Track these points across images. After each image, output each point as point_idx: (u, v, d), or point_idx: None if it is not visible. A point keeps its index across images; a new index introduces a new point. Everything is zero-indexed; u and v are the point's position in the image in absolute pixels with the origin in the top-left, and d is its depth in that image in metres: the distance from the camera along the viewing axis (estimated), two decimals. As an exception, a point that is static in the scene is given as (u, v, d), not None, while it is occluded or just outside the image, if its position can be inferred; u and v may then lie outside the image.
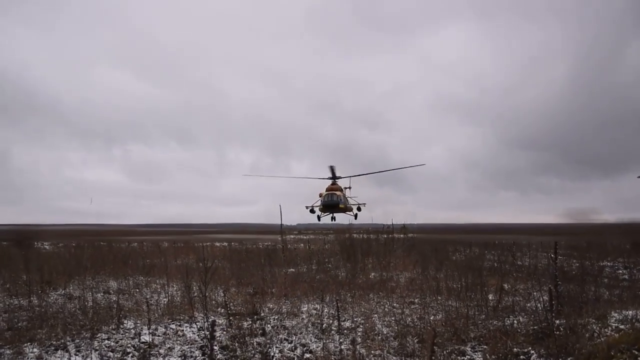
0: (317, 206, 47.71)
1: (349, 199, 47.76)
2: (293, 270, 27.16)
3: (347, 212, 47.85)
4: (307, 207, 47.71)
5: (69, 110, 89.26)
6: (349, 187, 48.61)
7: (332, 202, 45.60)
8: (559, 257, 17.26)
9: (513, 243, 39.69)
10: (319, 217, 47.15)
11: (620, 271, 23.67)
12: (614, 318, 11.65)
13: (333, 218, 48.19)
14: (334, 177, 46.93)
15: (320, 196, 47.13)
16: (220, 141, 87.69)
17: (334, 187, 46.86)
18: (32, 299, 15.34)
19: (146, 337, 11.07)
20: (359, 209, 48.70)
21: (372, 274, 25.49)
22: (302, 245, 52.08)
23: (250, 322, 12.13)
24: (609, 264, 26.89)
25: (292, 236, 64.57)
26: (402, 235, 51.49)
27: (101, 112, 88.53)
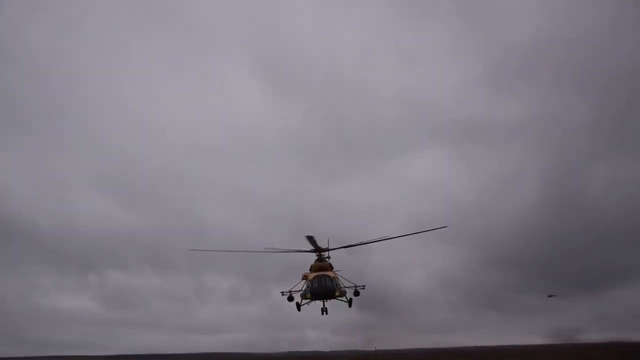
0: (297, 291, 39.24)
1: (340, 278, 39.69)
2: None
3: (339, 298, 39.37)
4: (282, 294, 39.38)
5: (45, 236, 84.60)
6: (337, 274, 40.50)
7: (325, 289, 37.17)
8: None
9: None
10: (298, 306, 38.80)
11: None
12: None
13: (324, 310, 39.53)
14: (318, 250, 38.75)
15: (304, 278, 38.76)
16: (198, 267, 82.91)
17: (323, 266, 38.48)
18: None
19: None
20: (356, 294, 39.91)
21: None
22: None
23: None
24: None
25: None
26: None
27: (78, 238, 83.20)
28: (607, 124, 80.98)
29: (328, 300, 37.76)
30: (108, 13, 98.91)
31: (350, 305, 39.07)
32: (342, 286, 38.71)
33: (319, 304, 38.13)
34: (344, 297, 38.72)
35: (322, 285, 35.96)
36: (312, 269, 37.83)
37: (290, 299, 38.61)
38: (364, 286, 38.87)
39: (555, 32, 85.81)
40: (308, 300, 38.15)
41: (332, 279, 36.20)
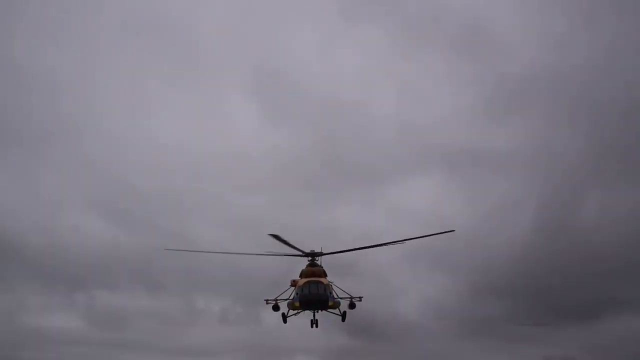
0: (284, 300, 34.05)
1: (333, 291, 34.65)
2: None
3: (331, 310, 34.23)
4: (267, 302, 34.26)
5: (34, 254, 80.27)
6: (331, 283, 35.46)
7: (317, 297, 32.11)
8: None
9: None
10: (284, 318, 33.63)
11: None
12: None
13: (314, 323, 34.31)
14: (311, 255, 33.89)
15: (293, 284, 33.67)
16: (189, 289, 79.59)
17: (315, 271, 33.53)
18: None
19: None
20: (351, 306, 34.77)
21: None
22: None
23: None
24: None
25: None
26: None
27: (67, 256, 78.80)
28: (601, 154, 79.18)
29: (319, 312, 32.74)
30: (107, 34, 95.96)
31: (343, 319, 33.86)
32: (336, 296, 33.72)
33: (308, 315, 33.06)
34: (338, 309, 33.69)
35: (313, 293, 30.57)
36: (303, 274, 32.88)
37: (276, 308, 33.42)
38: (360, 298, 33.81)
39: (550, 63, 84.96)
40: (296, 311, 32.99)
41: (325, 287, 31.23)
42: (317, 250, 33.53)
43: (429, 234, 32.17)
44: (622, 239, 69.81)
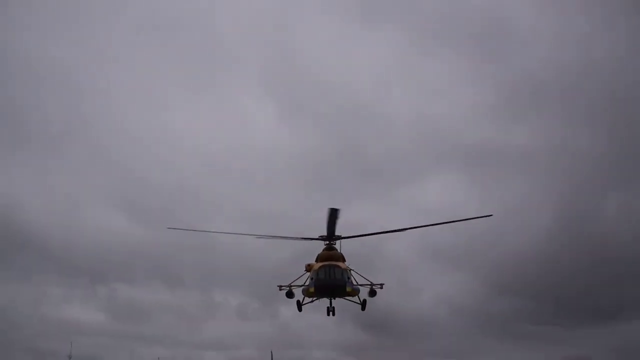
0: (298, 286, 31.67)
1: (352, 277, 31.99)
2: None
3: (349, 298, 31.63)
4: (280, 288, 31.86)
5: (56, 248, 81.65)
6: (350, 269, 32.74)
7: (333, 282, 29.52)
8: None
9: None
10: (299, 306, 31.09)
11: None
12: None
13: (331, 310, 31.74)
14: (330, 238, 31.46)
15: (308, 269, 31.29)
16: (207, 283, 79.85)
17: (333, 255, 31.05)
18: None
19: None
20: (371, 294, 32.13)
21: None
22: None
23: None
24: None
25: None
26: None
27: (88, 250, 79.89)
28: (622, 153, 76.40)
29: (336, 299, 30.26)
30: (124, 31, 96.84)
31: (363, 308, 31.18)
32: (356, 283, 31.15)
33: (324, 303, 30.63)
34: (357, 297, 31.11)
35: (330, 278, 28.16)
36: (319, 258, 30.38)
37: (290, 295, 31.16)
38: (382, 285, 31.22)
39: (569, 61, 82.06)
40: (312, 298, 30.52)
41: (343, 271, 28.60)
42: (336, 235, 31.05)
43: (468, 217, 29.53)
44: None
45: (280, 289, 31.53)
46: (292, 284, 31.27)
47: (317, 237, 31.04)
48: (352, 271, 31.25)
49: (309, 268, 30.44)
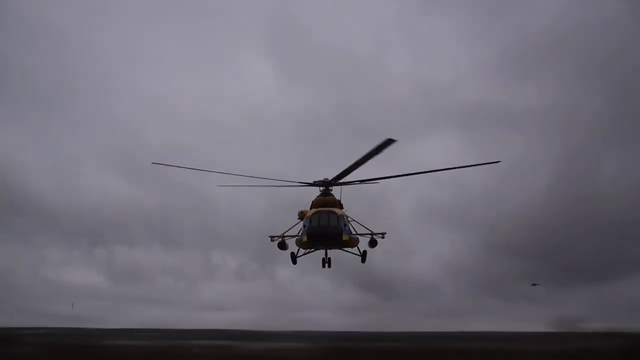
0: (292, 236, 28.68)
1: (350, 225, 28.83)
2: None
3: (347, 249, 28.62)
4: (272, 239, 28.74)
5: (53, 210, 78.79)
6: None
7: (328, 230, 26.45)
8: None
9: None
10: (294, 258, 28.16)
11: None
12: None
13: (327, 261, 28.88)
14: (326, 184, 28.33)
15: (300, 216, 28.20)
16: (206, 245, 77.52)
17: (328, 201, 27.89)
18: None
19: None
20: (372, 244, 29.01)
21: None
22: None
23: None
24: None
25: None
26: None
27: (86, 213, 77.04)
28: (625, 117, 74.53)
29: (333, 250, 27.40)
30: None
31: (363, 260, 28.47)
32: (354, 232, 28.18)
33: (319, 255, 27.77)
34: (357, 247, 28.26)
35: (324, 225, 25.16)
36: (313, 204, 27.19)
37: (282, 246, 28.18)
38: (383, 234, 28.26)
39: (577, 20, 77.94)
40: (307, 250, 27.60)
41: (338, 218, 25.56)
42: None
43: (474, 164, 26.24)
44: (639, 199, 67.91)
45: (272, 240, 28.49)
46: (285, 234, 28.23)
47: (311, 182, 27.81)
48: (351, 220, 28.22)
49: (302, 215, 27.33)
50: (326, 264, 27.44)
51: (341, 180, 27.26)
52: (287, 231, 27.98)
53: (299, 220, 27.60)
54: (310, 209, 26.98)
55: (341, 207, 27.54)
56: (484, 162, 26.52)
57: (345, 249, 27.48)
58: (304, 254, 28.17)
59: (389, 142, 21.45)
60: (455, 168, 26.45)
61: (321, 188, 27.86)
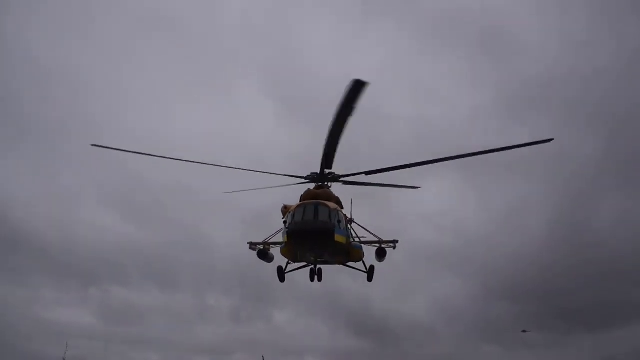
0: (277, 243, 22.23)
1: (352, 231, 22.27)
2: None
3: (347, 263, 21.84)
4: (250, 246, 22.22)
5: (49, 247, 77.28)
6: (350, 220, 23.25)
7: (314, 226, 19.71)
8: None
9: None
10: (281, 274, 21.25)
11: None
12: None
13: (316, 273, 22.05)
14: (321, 178, 22.49)
15: (284, 213, 21.67)
16: (201, 286, 76.09)
17: (320, 194, 21.60)
18: None
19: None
20: (380, 254, 21.86)
21: None
22: None
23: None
24: None
25: None
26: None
27: (81, 251, 75.49)
28: (618, 160, 75.01)
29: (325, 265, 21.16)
30: (120, 28, 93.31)
31: (370, 278, 21.95)
32: (356, 237, 21.97)
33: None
34: (362, 260, 21.90)
35: (309, 220, 18.70)
36: (302, 199, 21.14)
37: (263, 255, 21.81)
38: (394, 243, 22.05)
39: (571, 67, 79.69)
40: (298, 265, 21.43)
41: (330, 212, 19.22)
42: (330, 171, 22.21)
43: (526, 143, 21.40)
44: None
45: (251, 247, 22.22)
46: (266, 241, 21.99)
47: (304, 176, 22.20)
48: (354, 223, 22.20)
49: (285, 210, 21.04)
50: (315, 276, 20.93)
51: (347, 180, 21.45)
52: (270, 237, 21.68)
53: (284, 220, 21.17)
54: (300, 202, 21.05)
55: (339, 204, 21.54)
56: (537, 140, 21.86)
57: (350, 264, 21.17)
58: (292, 270, 21.67)
59: (357, 84, 15.87)
60: (499, 150, 21.20)
61: (317, 184, 22.11)
